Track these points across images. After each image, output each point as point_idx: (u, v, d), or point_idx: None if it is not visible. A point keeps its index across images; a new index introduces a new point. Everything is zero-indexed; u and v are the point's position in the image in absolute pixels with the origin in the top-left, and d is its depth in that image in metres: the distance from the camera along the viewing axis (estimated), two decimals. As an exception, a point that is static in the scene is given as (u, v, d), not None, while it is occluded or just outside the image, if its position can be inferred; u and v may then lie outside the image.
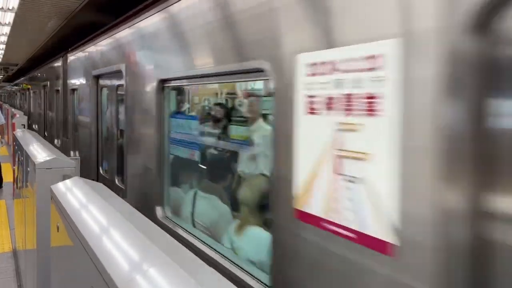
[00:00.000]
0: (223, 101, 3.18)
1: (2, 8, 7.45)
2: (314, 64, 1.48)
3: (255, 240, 2.19)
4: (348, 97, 1.37)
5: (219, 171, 2.88)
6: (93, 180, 3.34)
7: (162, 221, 2.78)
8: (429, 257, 1.11)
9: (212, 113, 3.07)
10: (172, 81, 2.80)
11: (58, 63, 7.62)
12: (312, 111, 1.50)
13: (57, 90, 7.61)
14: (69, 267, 2.05)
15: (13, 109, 15.91)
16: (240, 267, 2.01)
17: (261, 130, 2.59)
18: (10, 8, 7.37)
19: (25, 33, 9.45)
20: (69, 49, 6.71)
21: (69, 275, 2.06)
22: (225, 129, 2.94)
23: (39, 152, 3.71)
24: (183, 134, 2.88)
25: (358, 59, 1.32)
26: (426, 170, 1.12)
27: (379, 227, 1.26)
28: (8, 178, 9.01)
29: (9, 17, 8.37)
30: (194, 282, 1.20)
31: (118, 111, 4.16)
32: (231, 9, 1.99)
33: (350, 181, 1.37)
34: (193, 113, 3.24)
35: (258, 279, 1.86)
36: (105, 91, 4.80)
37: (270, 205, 1.72)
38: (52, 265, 2.58)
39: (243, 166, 2.68)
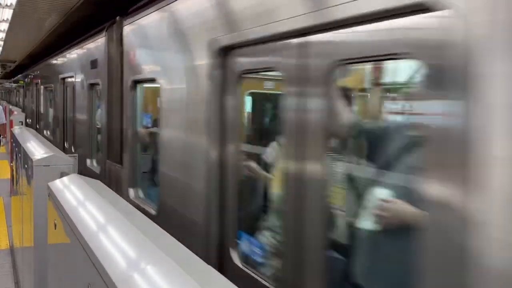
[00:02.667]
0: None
1: (0, 4, 7.42)
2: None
3: None
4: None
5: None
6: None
7: None
8: None
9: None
10: None
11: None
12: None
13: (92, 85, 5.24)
14: (66, 265, 2.04)
15: (11, 106, 15.88)
16: None
17: None
18: (8, 4, 7.34)
19: (23, 29, 9.41)
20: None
21: (66, 273, 2.05)
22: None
23: (37, 149, 3.70)
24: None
25: None
26: None
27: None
28: (5, 175, 8.99)
29: (7, 14, 8.33)
30: (192, 280, 1.20)
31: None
32: None
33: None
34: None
35: None
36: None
37: None
38: (49, 262, 2.58)
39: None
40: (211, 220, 2.31)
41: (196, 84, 2.46)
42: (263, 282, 1.97)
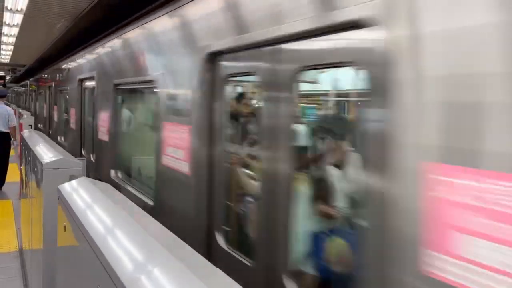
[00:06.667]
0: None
1: (11, 9, 7.51)
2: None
3: None
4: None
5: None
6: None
7: None
8: None
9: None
10: None
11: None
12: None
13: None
14: (76, 267, 2.06)
15: (20, 110, 16.02)
16: None
17: None
18: (19, 9, 7.43)
19: (33, 34, 9.52)
20: None
21: (76, 275, 2.07)
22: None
23: (46, 152, 3.73)
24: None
25: None
26: None
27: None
28: (14, 178, 9.07)
29: (18, 19, 8.43)
30: (200, 282, 1.21)
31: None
32: None
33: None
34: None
35: None
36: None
37: None
38: (58, 264, 2.60)
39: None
40: None
41: None
42: None
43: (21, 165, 5.93)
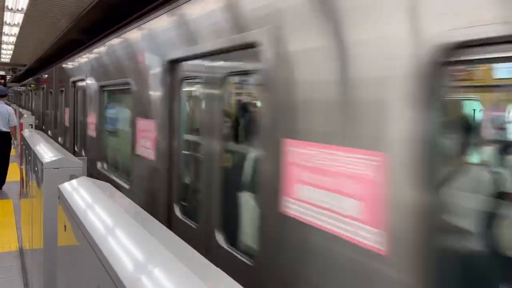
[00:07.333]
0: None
1: (12, 9, 7.51)
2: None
3: None
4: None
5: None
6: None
7: None
8: None
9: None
10: None
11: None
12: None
13: None
14: (76, 267, 2.06)
15: (20, 109, 16.03)
16: None
17: None
18: (19, 9, 7.43)
19: (33, 34, 9.52)
20: None
21: (76, 274, 2.07)
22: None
23: (47, 152, 3.73)
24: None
25: None
26: None
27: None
28: (15, 177, 9.07)
29: (18, 18, 8.43)
30: (200, 282, 1.20)
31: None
32: None
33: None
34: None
35: None
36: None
37: None
38: (58, 264, 2.60)
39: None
40: None
41: None
42: None
43: (21, 164, 5.93)
